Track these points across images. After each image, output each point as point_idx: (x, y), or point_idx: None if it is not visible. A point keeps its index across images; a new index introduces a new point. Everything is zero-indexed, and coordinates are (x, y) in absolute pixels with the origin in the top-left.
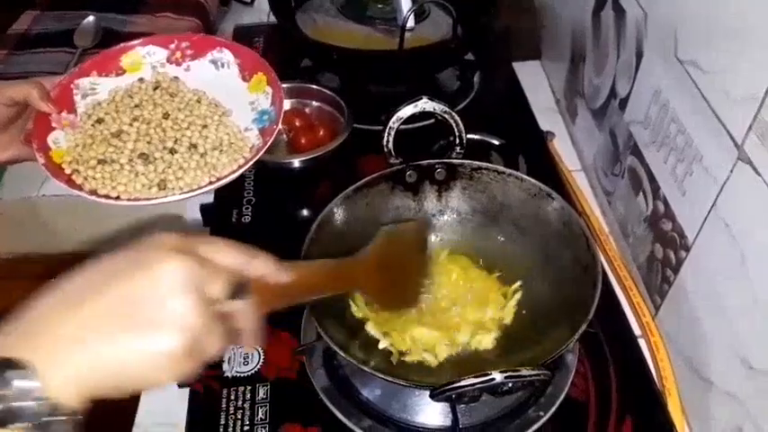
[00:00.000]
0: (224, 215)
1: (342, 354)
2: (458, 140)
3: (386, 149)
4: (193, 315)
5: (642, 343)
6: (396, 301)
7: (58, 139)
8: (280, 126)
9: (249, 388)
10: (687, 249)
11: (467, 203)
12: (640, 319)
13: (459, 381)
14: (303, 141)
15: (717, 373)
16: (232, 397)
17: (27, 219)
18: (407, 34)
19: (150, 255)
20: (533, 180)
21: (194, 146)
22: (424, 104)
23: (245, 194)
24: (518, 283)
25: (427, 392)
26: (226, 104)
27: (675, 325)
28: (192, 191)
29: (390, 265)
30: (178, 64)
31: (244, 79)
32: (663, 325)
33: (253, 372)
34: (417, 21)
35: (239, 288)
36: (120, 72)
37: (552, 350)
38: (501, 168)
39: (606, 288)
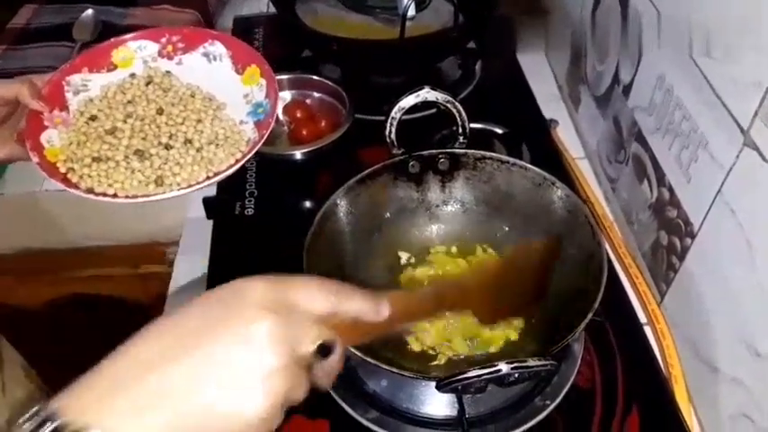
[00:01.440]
0: (227, 208)
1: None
2: (460, 130)
3: (388, 140)
4: (281, 377)
5: (648, 331)
6: (501, 313)
7: (52, 138)
8: (278, 117)
9: None
10: (693, 236)
11: (471, 193)
12: (646, 306)
13: (466, 372)
14: (304, 133)
15: (723, 360)
16: None
17: (30, 214)
18: (408, 23)
19: (239, 310)
20: (537, 169)
21: (190, 141)
22: (426, 94)
23: (248, 187)
24: None
25: (433, 384)
26: (220, 98)
27: (681, 312)
28: (190, 186)
29: (502, 281)
30: (170, 58)
31: (237, 72)
32: (669, 312)
33: None
34: (418, 9)
35: (329, 343)
36: (112, 67)
37: (558, 339)
38: (504, 158)
39: (611, 276)
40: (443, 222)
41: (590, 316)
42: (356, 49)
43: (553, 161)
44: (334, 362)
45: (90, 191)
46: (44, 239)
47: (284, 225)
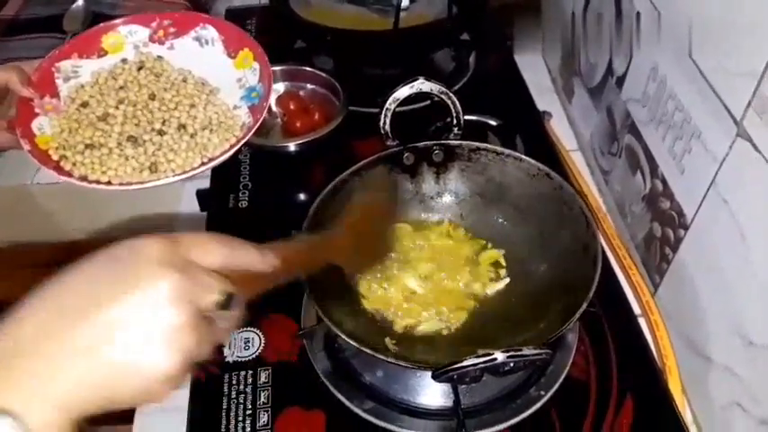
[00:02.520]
0: (220, 200)
1: (343, 336)
2: (455, 121)
3: (382, 131)
4: (186, 333)
5: (642, 322)
6: (365, 263)
7: (43, 125)
8: (272, 108)
9: (251, 372)
10: (686, 227)
11: (465, 185)
12: (640, 297)
13: (461, 361)
14: (298, 125)
15: (716, 350)
16: (234, 381)
17: (22, 207)
18: (402, 14)
19: (136, 270)
20: (531, 160)
21: (183, 126)
22: (421, 85)
23: (242, 179)
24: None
25: (429, 374)
26: (213, 82)
27: (675, 303)
28: (185, 173)
29: (362, 232)
30: (161, 43)
31: (229, 56)
32: (662, 303)
33: (254, 356)
34: (412, 0)
35: (230, 296)
36: (102, 53)
37: (553, 329)
38: (499, 149)
39: (605, 267)
40: (438, 213)
41: (584, 306)
42: (350, 40)
43: (547, 153)
44: (235, 313)
45: (83, 178)
46: (35, 232)
47: (278, 217)
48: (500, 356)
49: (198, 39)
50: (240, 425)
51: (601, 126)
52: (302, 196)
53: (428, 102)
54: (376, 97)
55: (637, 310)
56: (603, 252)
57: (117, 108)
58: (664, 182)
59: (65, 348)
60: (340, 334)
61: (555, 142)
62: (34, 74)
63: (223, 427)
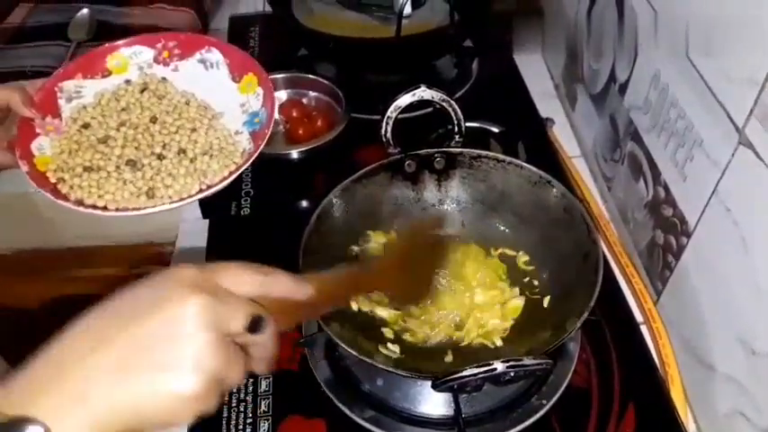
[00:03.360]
0: (223, 207)
1: (343, 345)
2: (456, 129)
3: (384, 139)
4: (213, 355)
5: (644, 329)
6: (413, 295)
7: (43, 146)
8: (277, 126)
9: (251, 380)
10: (688, 235)
11: (466, 192)
12: (642, 305)
13: (461, 371)
14: (301, 132)
15: (719, 359)
16: (234, 390)
17: (24, 214)
18: (404, 21)
19: (168, 293)
20: (533, 167)
21: (183, 151)
22: (422, 93)
23: (244, 186)
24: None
25: (429, 383)
26: (216, 107)
27: (677, 311)
28: (182, 199)
29: (409, 262)
30: (166, 64)
31: (234, 80)
32: (665, 311)
33: None
34: (414, 7)
35: (259, 319)
36: (106, 74)
37: (554, 338)
38: (501, 156)
39: (607, 275)
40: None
41: (586, 314)
42: (352, 47)
43: (549, 160)
44: (267, 341)
45: (79, 202)
46: (38, 240)
47: (280, 225)
48: (500, 366)
49: (203, 61)
50: None
51: (603, 133)
52: (305, 204)
53: (430, 109)
54: (378, 105)
55: (639, 317)
56: (605, 259)
57: (118, 130)
58: (666, 189)
59: (98, 369)
60: (340, 343)
61: (557, 149)
62: (37, 94)
63: None
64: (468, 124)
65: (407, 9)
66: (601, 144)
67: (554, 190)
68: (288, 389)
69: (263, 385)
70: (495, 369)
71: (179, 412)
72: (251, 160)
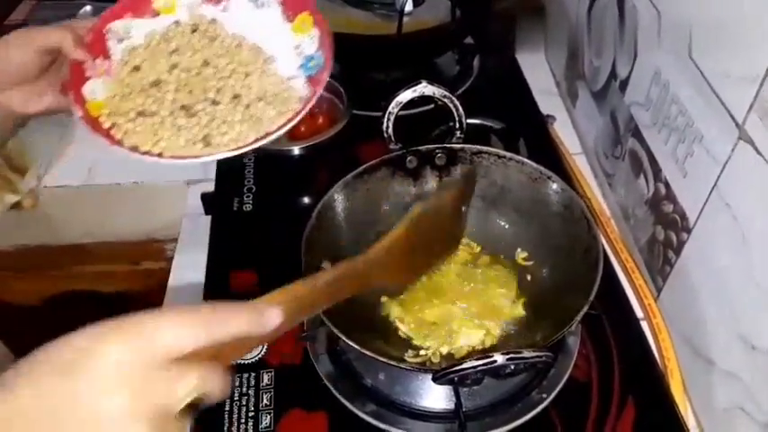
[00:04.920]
0: (225, 203)
1: (345, 339)
2: (458, 125)
3: (386, 135)
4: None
5: (644, 325)
6: (419, 268)
7: (95, 90)
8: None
9: (253, 374)
10: (689, 231)
11: None
12: (642, 301)
13: (462, 363)
14: (302, 129)
15: (718, 353)
16: (236, 383)
17: (28, 210)
18: (405, 18)
19: (89, 386)
20: (534, 163)
21: (237, 96)
22: (424, 89)
23: (246, 182)
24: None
25: (430, 376)
26: (267, 49)
27: (677, 306)
28: (239, 148)
29: (418, 240)
30: (215, 3)
31: (287, 19)
32: (665, 306)
33: (257, 358)
34: (415, 5)
35: (199, 401)
36: (154, 14)
37: (554, 332)
38: (501, 152)
39: (608, 270)
40: None
41: (585, 308)
42: (354, 44)
43: (550, 157)
44: (214, 399)
45: (135, 149)
46: (42, 236)
47: (282, 220)
48: (500, 359)
49: None
50: (243, 427)
51: (604, 130)
52: (306, 200)
53: (431, 105)
54: (379, 101)
55: (639, 313)
56: (606, 255)
57: (170, 73)
58: (667, 185)
59: None
60: (342, 336)
61: (558, 146)
62: (87, 35)
63: (226, 428)
64: (469, 121)
65: (409, 6)
66: (601, 141)
67: (555, 186)
68: (289, 383)
69: (265, 379)
70: (496, 361)
71: None
72: (308, 106)
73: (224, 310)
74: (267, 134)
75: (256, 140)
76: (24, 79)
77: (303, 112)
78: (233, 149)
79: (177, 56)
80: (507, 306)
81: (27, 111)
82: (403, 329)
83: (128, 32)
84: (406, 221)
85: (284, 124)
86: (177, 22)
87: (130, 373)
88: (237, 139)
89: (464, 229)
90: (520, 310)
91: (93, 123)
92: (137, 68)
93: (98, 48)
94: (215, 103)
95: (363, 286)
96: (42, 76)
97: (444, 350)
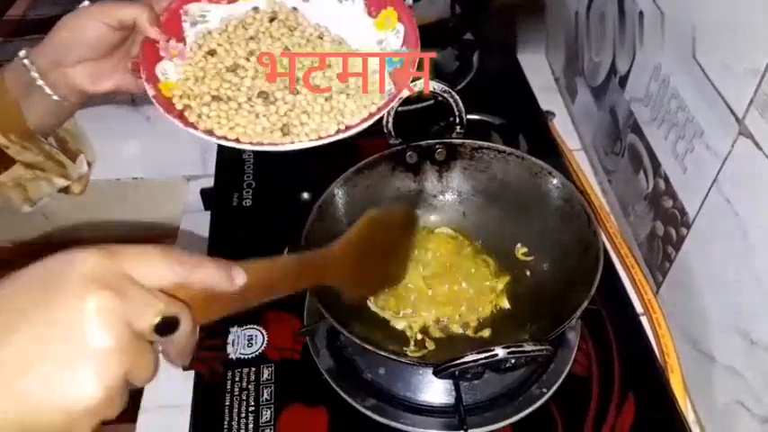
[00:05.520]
0: (224, 198)
1: (345, 333)
2: (458, 120)
3: (386, 130)
4: (117, 361)
5: (644, 320)
6: (372, 285)
7: (167, 70)
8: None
9: (253, 369)
10: (688, 226)
11: (467, 183)
12: (642, 296)
13: (462, 357)
14: None
15: (718, 349)
16: (236, 378)
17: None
18: None
19: (63, 288)
20: (534, 158)
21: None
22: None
23: (246, 178)
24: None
25: (430, 370)
26: (350, 42)
27: (677, 301)
28: (320, 138)
29: (371, 250)
30: None
31: (370, 14)
32: (664, 301)
33: (257, 353)
34: (415, 0)
35: (170, 319)
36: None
37: (554, 327)
38: (501, 147)
39: (608, 266)
40: (440, 212)
41: (586, 303)
42: None
43: (550, 152)
44: (183, 337)
45: (209, 132)
46: (41, 231)
47: (282, 215)
48: (501, 352)
49: None
50: (243, 421)
51: (604, 125)
52: (306, 195)
53: (431, 101)
54: None
55: (639, 308)
56: (606, 250)
57: (248, 60)
58: (666, 181)
59: None
60: (342, 331)
61: (558, 141)
62: (162, 14)
63: (226, 423)
64: (469, 116)
65: (408, 1)
66: (601, 136)
67: (555, 181)
68: (290, 377)
69: (266, 374)
70: (497, 355)
71: (76, 426)
72: (394, 101)
73: (197, 257)
74: (348, 128)
75: (338, 132)
76: (95, 54)
77: (388, 107)
78: (313, 140)
79: (255, 43)
80: (485, 294)
81: (94, 89)
82: (375, 309)
83: (203, 16)
84: (359, 224)
85: (367, 118)
86: (256, 9)
87: (105, 280)
88: (318, 129)
89: (406, 270)
90: (504, 302)
91: (167, 104)
92: (211, 53)
93: (172, 28)
94: (295, 92)
95: (320, 280)
96: (112, 54)
97: (415, 324)
